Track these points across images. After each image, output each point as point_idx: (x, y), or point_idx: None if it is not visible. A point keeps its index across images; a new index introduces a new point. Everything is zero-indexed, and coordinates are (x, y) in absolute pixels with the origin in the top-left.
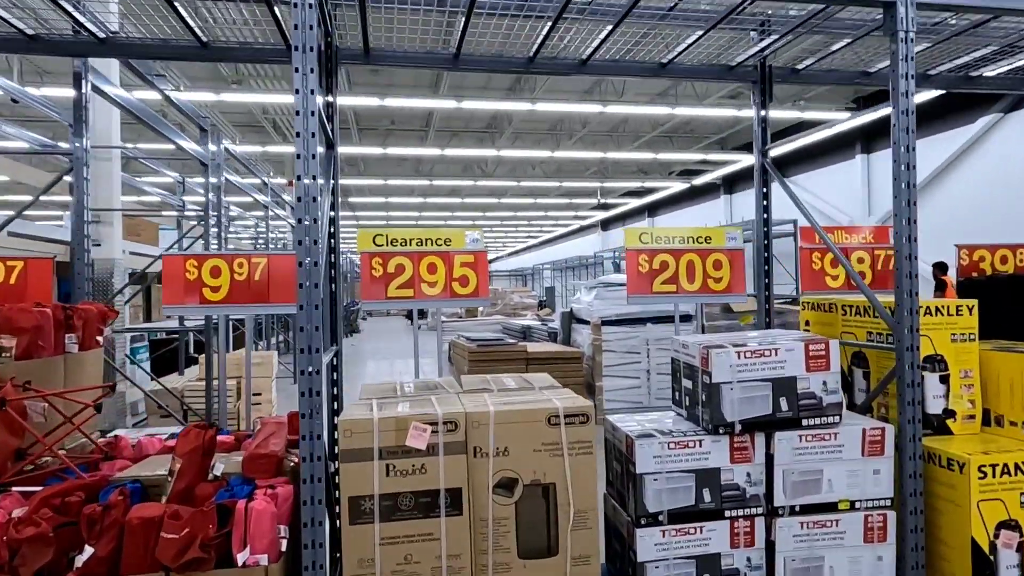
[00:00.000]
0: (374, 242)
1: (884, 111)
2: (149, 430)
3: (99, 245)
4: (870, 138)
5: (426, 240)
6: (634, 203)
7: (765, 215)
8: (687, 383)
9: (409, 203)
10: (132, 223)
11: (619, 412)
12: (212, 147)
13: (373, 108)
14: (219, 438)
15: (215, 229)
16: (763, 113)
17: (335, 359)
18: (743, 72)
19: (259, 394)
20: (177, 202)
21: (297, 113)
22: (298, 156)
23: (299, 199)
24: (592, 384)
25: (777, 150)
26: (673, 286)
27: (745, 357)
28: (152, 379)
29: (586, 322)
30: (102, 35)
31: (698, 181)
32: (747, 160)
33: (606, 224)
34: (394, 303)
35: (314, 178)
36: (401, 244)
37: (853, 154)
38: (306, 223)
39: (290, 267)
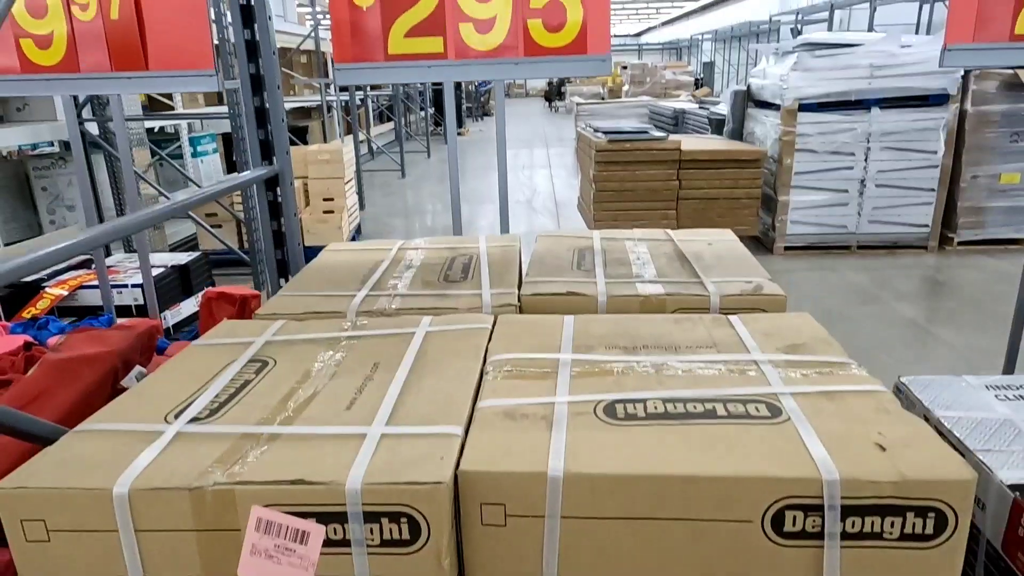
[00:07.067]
0: None
1: None
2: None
3: None
4: None
5: None
6: None
7: None
8: None
9: None
10: None
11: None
12: None
13: None
14: None
15: None
16: None
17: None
18: None
19: (331, 199)
20: None
21: None
22: None
23: None
24: (773, 198)
25: None
26: None
27: None
28: (186, 175)
29: (771, 105)
30: None
31: None
32: None
33: None
34: (401, 68)
35: None
36: None
37: None
38: None
39: None
